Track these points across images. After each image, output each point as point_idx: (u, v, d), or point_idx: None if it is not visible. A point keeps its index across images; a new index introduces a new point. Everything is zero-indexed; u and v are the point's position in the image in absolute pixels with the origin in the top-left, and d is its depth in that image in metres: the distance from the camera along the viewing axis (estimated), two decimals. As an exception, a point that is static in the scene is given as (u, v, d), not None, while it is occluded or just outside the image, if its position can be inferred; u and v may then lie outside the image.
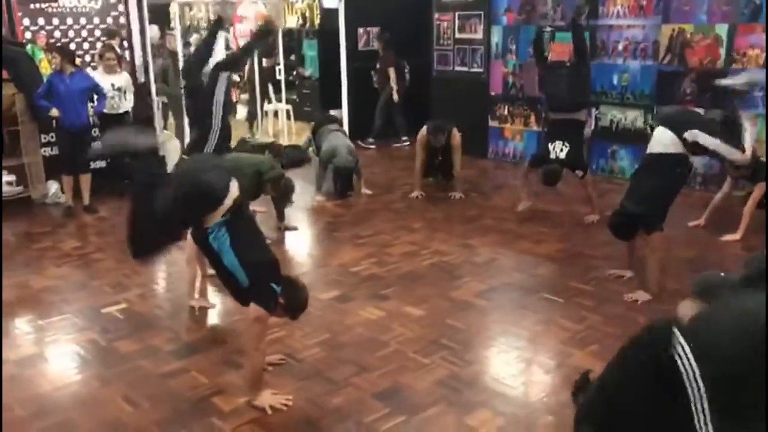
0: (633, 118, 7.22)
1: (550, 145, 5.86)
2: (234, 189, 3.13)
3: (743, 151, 4.22)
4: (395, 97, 9.17)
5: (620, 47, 7.16)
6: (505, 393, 3.30)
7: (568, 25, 6.63)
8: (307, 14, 11.39)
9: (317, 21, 11.21)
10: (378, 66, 9.30)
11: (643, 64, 7.04)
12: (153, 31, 8.14)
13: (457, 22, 8.62)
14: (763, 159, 5.65)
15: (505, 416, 3.10)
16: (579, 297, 4.39)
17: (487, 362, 3.67)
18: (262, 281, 3.10)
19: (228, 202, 3.07)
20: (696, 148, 4.29)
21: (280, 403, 3.18)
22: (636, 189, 4.43)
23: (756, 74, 5.55)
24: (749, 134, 4.30)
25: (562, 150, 5.77)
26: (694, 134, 4.16)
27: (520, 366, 3.57)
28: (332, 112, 10.38)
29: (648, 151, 4.45)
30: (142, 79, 7.61)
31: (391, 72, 9.11)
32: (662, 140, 4.29)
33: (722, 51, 6.48)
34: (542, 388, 3.36)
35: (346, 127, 9.56)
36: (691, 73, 6.72)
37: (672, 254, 5.03)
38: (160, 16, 9.40)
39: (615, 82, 7.28)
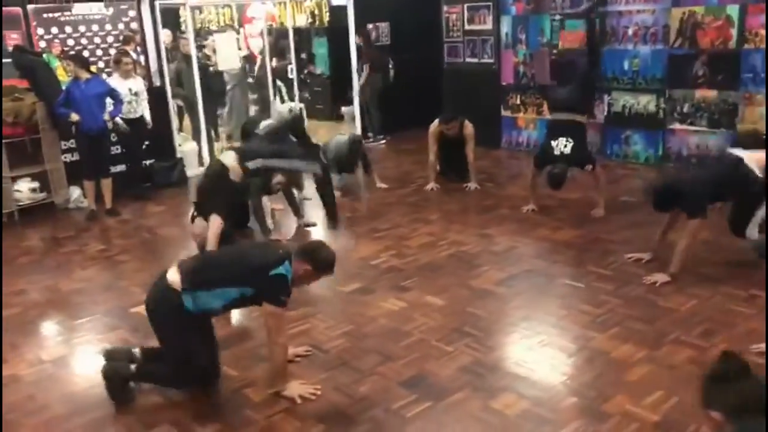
0: (645, 102, 7.23)
1: (552, 142, 5.72)
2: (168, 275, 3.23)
3: None
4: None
5: (630, 32, 7.16)
6: (528, 377, 3.36)
7: (583, 11, 6.68)
8: (316, 12, 11.45)
9: (326, 19, 11.27)
10: (360, 61, 9.35)
11: (654, 49, 7.03)
12: (165, 35, 8.24)
13: (466, 14, 8.65)
14: None
15: (530, 399, 3.16)
16: (598, 281, 4.44)
17: (509, 348, 3.73)
18: (262, 278, 3.15)
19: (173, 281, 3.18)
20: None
21: (308, 393, 3.27)
22: (698, 173, 4.53)
23: None
24: None
25: (566, 146, 5.64)
26: None
27: (542, 350, 3.63)
28: (343, 110, 10.50)
29: (736, 152, 4.46)
30: (157, 83, 7.72)
31: (366, 68, 9.15)
32: (760, 158, 4.32)
33: (734, 32, 6.47)
34: (565, 370, 3.42)
35: (357, 123, 9.66)
36: (703, 56, 6.72)
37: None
38: (169, 19, 9.49)
39: (626, 67, 7.28)
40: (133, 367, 3.33)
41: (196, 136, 8.53)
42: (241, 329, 4.14)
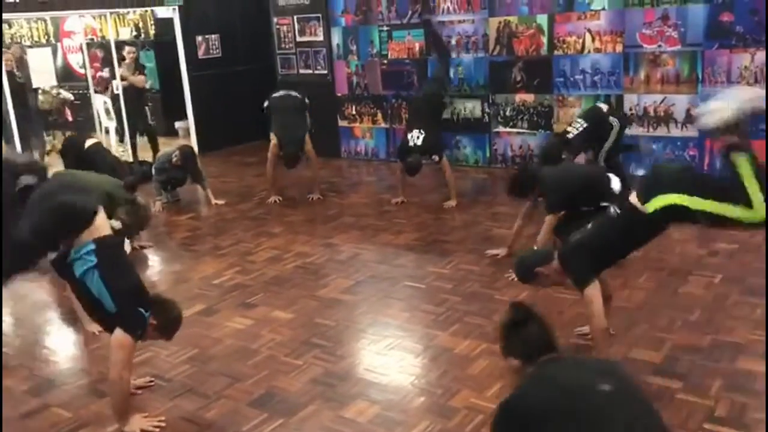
0: (471, 107, 7.62)
1: (408, 134, 6.34)
2: (102, 213, 3.12)
3: None
4: None
5: (453, 41, 7.53)
6: (378, 381, 3.41)
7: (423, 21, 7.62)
8: (141, 25, 10.96)
9: (152, 31, 10.83)
10: None
11: (476, 57, 7.44)
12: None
13: (296, 25, 8.67)
14: None
15: (380, 404, 3.21)
16: (438, 281, 4.60)
17: (358, 354, 3.77)
18: (130, 307, 3.01)
19: (99, 224, 3.06)
20: None
21: (152, 426, 3.10)
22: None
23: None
24: None
25: (418, 137, 6.24)
26: None
27: (389, 353, 3.70)
28: (177, 125, 10.13)
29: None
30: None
31: None
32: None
33: (544, 39, 7.01)
34: (412, 371, 3.50)
35: (193, 138, 9.37)
36: (519, 62, 7.21)
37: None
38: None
39: (452, 75, 7.62)
40: None
41: None
42: (71, 366, 3.85)
